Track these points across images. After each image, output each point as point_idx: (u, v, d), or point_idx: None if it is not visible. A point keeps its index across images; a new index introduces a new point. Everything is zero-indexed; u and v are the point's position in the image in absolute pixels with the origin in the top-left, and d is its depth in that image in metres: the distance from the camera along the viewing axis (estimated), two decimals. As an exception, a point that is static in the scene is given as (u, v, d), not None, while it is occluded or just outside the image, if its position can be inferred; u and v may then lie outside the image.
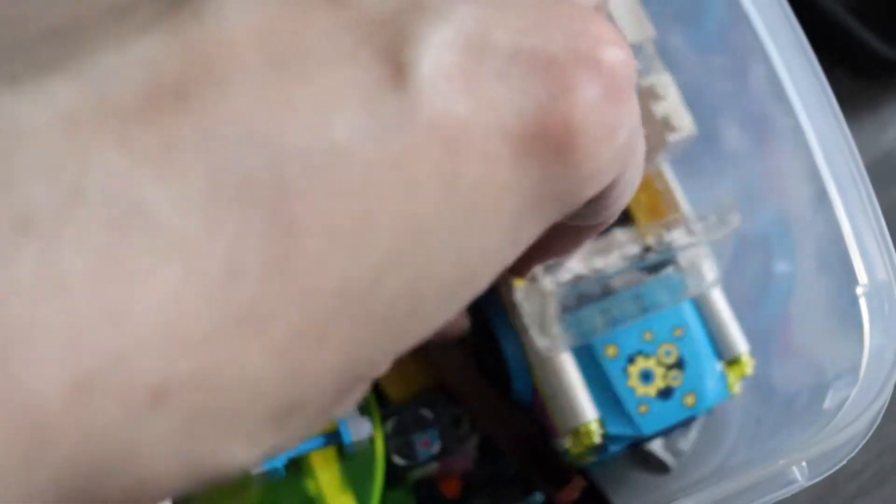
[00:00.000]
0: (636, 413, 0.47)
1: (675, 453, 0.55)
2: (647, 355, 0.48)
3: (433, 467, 0.52)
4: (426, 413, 0.51)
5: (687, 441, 0.55)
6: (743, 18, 0.52)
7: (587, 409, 0.47)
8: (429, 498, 0.53)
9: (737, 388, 0.50)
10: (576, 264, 0.45)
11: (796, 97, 0.49)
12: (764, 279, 0.56)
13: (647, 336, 0.49)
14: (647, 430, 0.47)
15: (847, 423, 0.43)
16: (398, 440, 0.51)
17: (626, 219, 0.52)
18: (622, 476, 0.56)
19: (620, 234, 0.46)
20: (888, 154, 0.69)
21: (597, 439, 0.47)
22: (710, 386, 0.49)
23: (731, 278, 0.57)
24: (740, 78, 0.53)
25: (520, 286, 0.47)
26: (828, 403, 0.45)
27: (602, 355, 0.48)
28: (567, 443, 0.47)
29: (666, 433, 0.51)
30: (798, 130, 0.48)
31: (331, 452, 0.50)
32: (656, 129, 0.49)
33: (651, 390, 0.48)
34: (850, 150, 0.47)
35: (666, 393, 0.48)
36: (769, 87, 0.50)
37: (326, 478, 0.50)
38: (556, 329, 0.46)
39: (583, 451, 0.48)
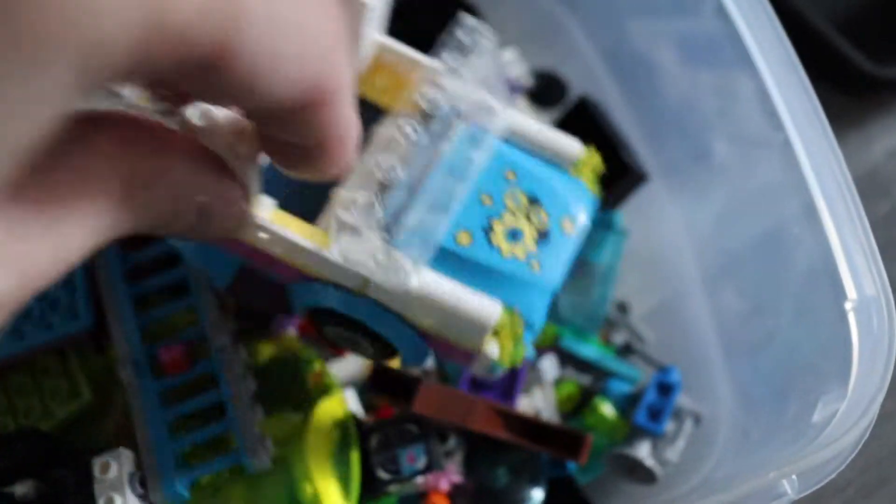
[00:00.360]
0: (532, 275, 0.42)
1: (663, 462, 0.55)
2: (498, 217, 0.43)
3: (419, 482, 0.52)
4: (411, 427, 0.51)
5: (675, 451, 0.55)
6: (733, 34, 0.52)
7: (488, 304, 0.40)
8: (414, 511, 0.53)
9: (595, 190, 0.47)
10: (366, 189, 0.40)
11: (785, 112, 0.50)
12: (754, 293, 0.56)
13: (486, 199, 0.43)
14: (551, 282, 0.43)
15: (836, 437, 0.43)
16: (382, 455, 0.51)
17: (378, 113, 0.45)
18: (610, 486, 0.57)
19: (387, 125, 0.42)
20: (873, 169, 0.70)
21: (520, 328, 0.42)
22: (574, 199, 0.45)
23: (721, 293, 0.58)
24: (730, 94, 0.53)
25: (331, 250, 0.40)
26: (816, 417, 0.45)
27: (459, 247, 0.42)
28: (494, 352, 0.41)
29: (577, 285, 0.50)
30: (787, 145, 0.49)
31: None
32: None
33: (528, 244, 0.43)
34: (838, 165, 0.47)
35: (543, 235, 0.43)
36: (758, 103, 0.50)
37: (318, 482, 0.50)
38: (397, 255, 0.39)
39: (514, 354, 0.42)
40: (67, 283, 0.51)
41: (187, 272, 0.51)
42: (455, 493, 0.54)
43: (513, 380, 0.55)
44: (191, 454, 0.49)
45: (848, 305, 0.46)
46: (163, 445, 0.47)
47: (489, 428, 0.51)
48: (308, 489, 0.50)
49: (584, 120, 0.62)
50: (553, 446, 0.52)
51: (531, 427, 0.52)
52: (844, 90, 0.70)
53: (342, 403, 0.52)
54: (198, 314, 0.50)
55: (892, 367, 0.44)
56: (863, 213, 0.47)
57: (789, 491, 0.42)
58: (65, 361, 0.52)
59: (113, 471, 0.45)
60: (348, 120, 0.30)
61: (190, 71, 0.24)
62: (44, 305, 0.51)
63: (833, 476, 0.43)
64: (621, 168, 0.59)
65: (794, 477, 0.42)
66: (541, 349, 0.58)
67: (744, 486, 0.42)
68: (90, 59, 0.21)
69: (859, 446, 0.43)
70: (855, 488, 0.61)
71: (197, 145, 0.31)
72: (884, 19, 0.69)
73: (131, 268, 0.51)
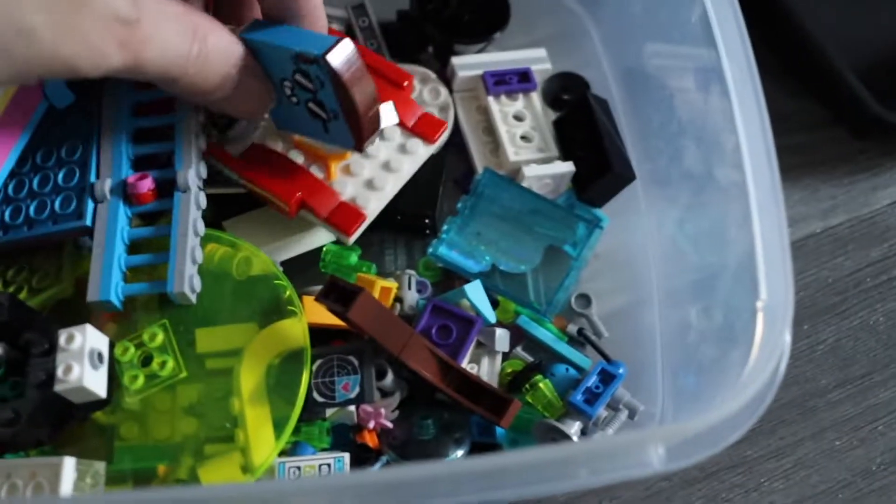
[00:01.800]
0: None
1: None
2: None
3: (352, 411, 0.57)
4: (352, 359, 0.56)
5: (603, 437, 0.59)
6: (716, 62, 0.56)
7: None
8: (344, 442, 0.58)
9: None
10: None
11: (741, 125, 0.53)
12: (696, 295, 0.59)
13: None
14: None
15: (723, 417, 0.46)
16: (321, 380, 0.56)
17: None
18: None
19: None
20: (873, 217, 0.72)
21: None
22: None
23: (672, 299, 0.62)
24: (701, 101, 0.57)
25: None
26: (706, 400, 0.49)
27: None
28: None
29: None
30: (737, 150, 0.52)
31: (259, 375, 0.56)
32: None
33: None
34: (773, 176, 0.51)
35: None
36: (721, 109, 0.54)
37: (250, 404, 0.55)
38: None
39: None
40: (80, 187, 0.59)
41: (183, 117, 0.60)
42: (384, 435, 0.58)
43: (464, 338, 0.60)
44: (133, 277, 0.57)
45: (759, 304, 0.49)
46: (111, 257, 0.56)
47: (422, 367, 0.56)
48: (235, 404, 0.55)
49: (582, 116, 0.66)
50: (480, 404, 0.56)
51: (462, 380, 0.57)
52: (859, 135, 0.72)
53: (302, 330, 0.57)
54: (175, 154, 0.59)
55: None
56: (785, 223, 0.50)
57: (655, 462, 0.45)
58: (60, 252, 0.59)
59: (76, 342, 0.52)
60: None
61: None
62: (54, 200, 0.58)
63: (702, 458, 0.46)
64: (606, 167, 0.64)
65: (661, 449, 0.45)
66: (499, 324, 0.62)
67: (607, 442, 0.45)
68: None
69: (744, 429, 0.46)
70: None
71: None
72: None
73: (135, 104, 0.61)
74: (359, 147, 0.57)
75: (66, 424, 0.54)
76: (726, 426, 0.46)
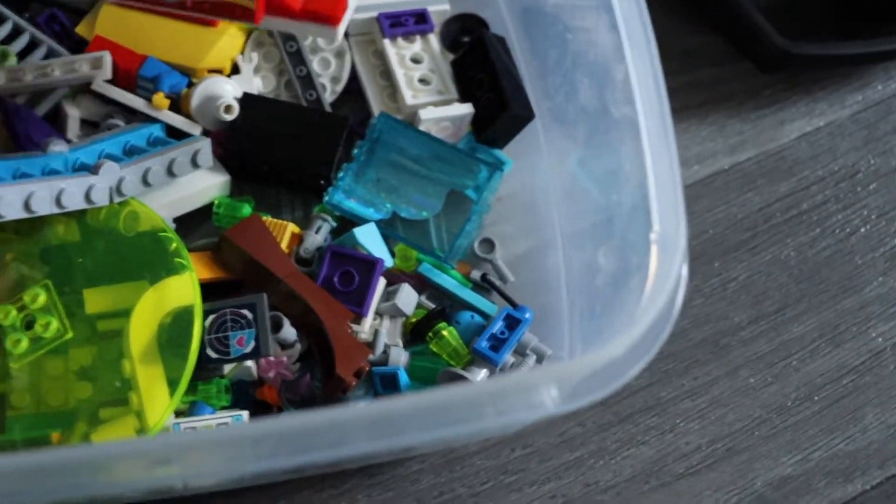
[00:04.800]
0: None
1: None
2: None
3: (251, 366, 0.58)
4: (245, 313, 0.57)
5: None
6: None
7: None
8: (244, 398, 0.59)
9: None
10: None
11: (630, 56, 0.54)
12: (596, 236, 0.61)
13: None
14: None
15: (618, 353, 0.47)
16: (215, 335, 0.57)
17: None
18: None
19: None
20: (781, 152, 0.74)
21: None
22: None
23: (575, 241, 0.63)
24: (592, 34, 0.58)
25: None
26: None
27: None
28: None
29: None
30: (626, 83, 0.53)
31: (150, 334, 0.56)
32: None
33: None
34: (662, 106, 0.51)
35: None
36: (612, 44, 0.55)
37: (142, 365, 0.56)
38: None
39: None
40: None
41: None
42: (284, 391, 0.59)
43: (367, 282, 0.61)
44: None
45: (652, 237, 0.50)
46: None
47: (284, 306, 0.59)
48: (126, 366, 0.56)
49: (479, 56, 0.67)
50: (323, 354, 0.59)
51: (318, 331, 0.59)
52: (765, 69, 0.74)
53: (192, 285, 0.58)
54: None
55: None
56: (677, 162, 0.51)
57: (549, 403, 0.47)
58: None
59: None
60: None
61: None
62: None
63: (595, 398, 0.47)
64: (503, 106, 0.64)
65: (554, 391, 0.47)
66: (402, 275, 0.63)
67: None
68: None
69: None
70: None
71: None
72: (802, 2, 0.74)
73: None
74: None
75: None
76: (621, 362, 0.47)
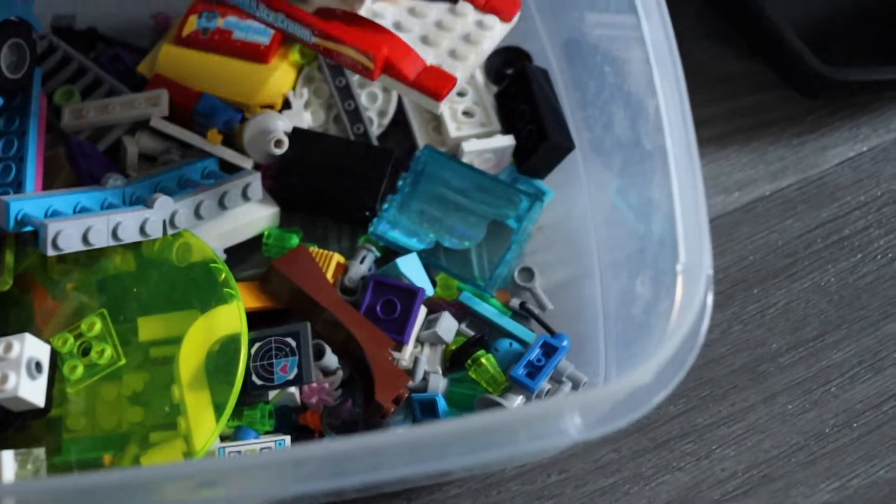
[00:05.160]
0: None
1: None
2: None
3: (294, 393, 0.61)
4: (290, 341, 0.60)
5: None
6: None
7: None
8: (287, 423, 0.61)
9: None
10: None
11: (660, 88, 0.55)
12: (632, 265, 0.62)
13: None
14: None
15: (641, 382, 0.49)
16: (260, 363, 0.59)
17: None
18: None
19: None
20: (823, 178, 0.74)
21: None
22: None
23: (611, 270, 0.65)
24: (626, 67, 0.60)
25: None
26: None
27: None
28: None
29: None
30: (657, 113, 0.55)
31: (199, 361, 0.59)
32: None
33: None
34: (688, 136, 0.53)
35: None
36: (644, 77, 0.56)
37: (190, 391, 0.59)
38: None
39: None
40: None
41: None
42: (325, 416, 0.62)
43: (409, 310, 0.63)
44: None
45: (678, 268, 0.51)
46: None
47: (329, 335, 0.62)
48: (176, 392, 0.59)
49: (522, 88, 0.69)
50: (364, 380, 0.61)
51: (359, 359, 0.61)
52: (808, 95, 0.75)
53: (238, 314, 0.61)
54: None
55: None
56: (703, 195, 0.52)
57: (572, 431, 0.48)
58: (2, 249, 0.63)
59: (14, 352, 0.56)
60: None
61: None
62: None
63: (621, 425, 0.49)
64: (543, 136, 0.66)
65: (577, 419, 0.48)
66: (443, 303, 0.65)
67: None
68: None
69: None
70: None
71: None
72: (844, 28, 0.75)
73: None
74: None
75: (2, 431, 0.57)
76: (646, 390, 0.49)
